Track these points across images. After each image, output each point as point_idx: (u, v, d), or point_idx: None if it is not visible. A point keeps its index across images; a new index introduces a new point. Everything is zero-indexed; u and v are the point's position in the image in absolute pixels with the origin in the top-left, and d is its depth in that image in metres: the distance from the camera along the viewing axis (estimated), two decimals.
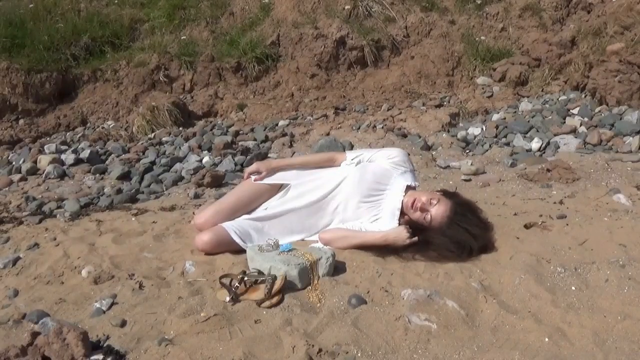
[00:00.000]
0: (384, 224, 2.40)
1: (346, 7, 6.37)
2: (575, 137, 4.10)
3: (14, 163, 4.50)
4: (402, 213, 2.43)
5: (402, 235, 2.29)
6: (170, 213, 3.14)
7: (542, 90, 5.30)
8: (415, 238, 2.29)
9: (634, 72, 4.50)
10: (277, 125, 5.08)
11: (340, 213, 2.49)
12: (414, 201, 2.36)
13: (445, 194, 2.45)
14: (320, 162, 2.69)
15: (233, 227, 2.42)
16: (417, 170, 2.77)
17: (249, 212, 2.58)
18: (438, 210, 2.33)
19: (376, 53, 6.09)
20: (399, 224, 2.39)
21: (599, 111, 4.48)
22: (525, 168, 3.66)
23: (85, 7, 6.89)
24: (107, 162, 4.49)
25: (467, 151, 4.28)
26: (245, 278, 2.01)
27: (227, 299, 1.96)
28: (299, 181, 2.60)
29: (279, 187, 2.63)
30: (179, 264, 2.34)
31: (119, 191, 3.69)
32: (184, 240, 2.64)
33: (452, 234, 2.27)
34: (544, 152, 4.02)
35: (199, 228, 2.56)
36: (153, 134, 5.10)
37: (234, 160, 4.19)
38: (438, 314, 1.85)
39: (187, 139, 4.82)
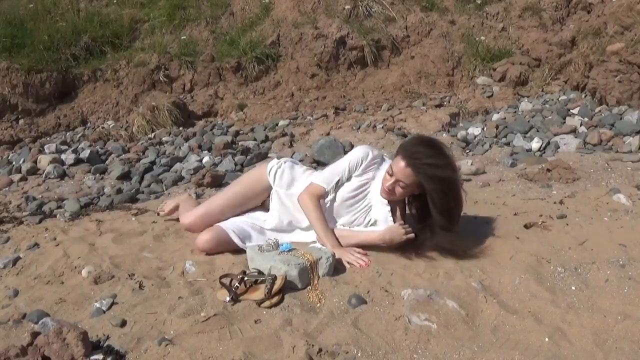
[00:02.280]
0: (381, 225, 2.39)
1: (346, 7, 6.37)
2: (575, 137, 4.10)
3: (14, 163, 4.50)
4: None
5: (398, 232, 2.28)
6: None
7: (542, 90, 5.30)
8: (412, 235, 2.28)
9: (634, 72, 4.49)
10: (277, 125, 5.07)
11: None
12: (382, 189, 2.34)
13: (395, 155, 2.36)
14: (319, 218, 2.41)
15: (232, 227, 2.43)
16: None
17: (239, 214, 2.58)
18: (398, 171, 2.24)
19: (376, 53, 6.09)
20: (395, 220, 2.38)
21: (599, 111, 4.48)
22: (525, 168, 3.66)
23: (85, 7, 6.89)
24: (107, 162, 4.50)
25: (467, 151, 4.28)
26: (245, 278, 2.02)
27: (227, 299, 1.96)
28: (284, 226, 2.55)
29: (270, 193, 2.60)
30: (179, 264, 2.34)
31: (119, 191, 3.69)
32: (184, 240, 2.64)
33: (426, 175, 2.20)
34: (544, 152, 4.01)
35: (186, 229, 2.57)
36: (153, 134, 5.10)
37: (234, 160, 4.19)
38: (438, 314, 1.85)
39: (187, 139, 4.82)
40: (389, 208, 2.39)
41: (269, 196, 2.60)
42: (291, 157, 4.23)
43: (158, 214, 3.02)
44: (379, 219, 2.40)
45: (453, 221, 2.31)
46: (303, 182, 2.49)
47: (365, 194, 2.44)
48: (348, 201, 2.42)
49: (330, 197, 2.42)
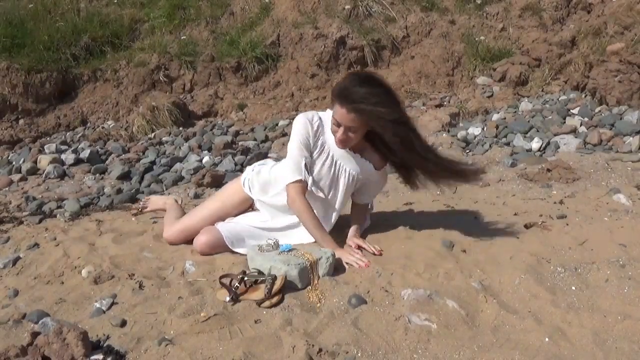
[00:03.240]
0: (356, 172, 2.38)
1: (346, 7, 6.37)
2: (575, 137, 4.10)
3: (14, 163, 4.50)
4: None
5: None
6: None
7: (542, 90, 5.30)
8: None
9: (634, 72, 4.50)
10: (277, 125, 5.08)
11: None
12: (336, 142, 2.27)
13: (332, 102, 2.27)
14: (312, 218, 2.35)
15: (227, 230, 2.40)
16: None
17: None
18: (342, 119, 2.16)
19: (376, 53, 6.09)
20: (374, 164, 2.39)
21: (599, 111, 4.48)
22: (525, 168, 3.66)
23: (85, 7, 6.89)
24: (107, 162, 4.50)
25: (467, 151, 4.29)
26: (245, 278, 2.01)
27: (227, 299, 1.96)
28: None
29: (250, 202, 2.58)
30: (179, 264, 2.34)
31: (119, 191, 3.69)
32: None
33: (371, 115, 2.13)
34: (544, 152, 4.02)
35: (167, 242, 2.56)
36: (153, 134, 5.10)
37: (234, 160, 4.19)
38: (438, 314, 1.84)
39: (187, 139, 4.82)
40: (357, 156, 2.36)
41: (251, 205, 2.58)
42: None
43: (139, 210, 3.06)
44: (354, 171, 2.37)
45: (415, 150, 2.22)
46: (274, 180, 2.46)
47: (332, 158, 2.36)
48: (321, 174, 2.37)
49: (310, 181, 2.34)
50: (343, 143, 2.26)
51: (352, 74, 2.29)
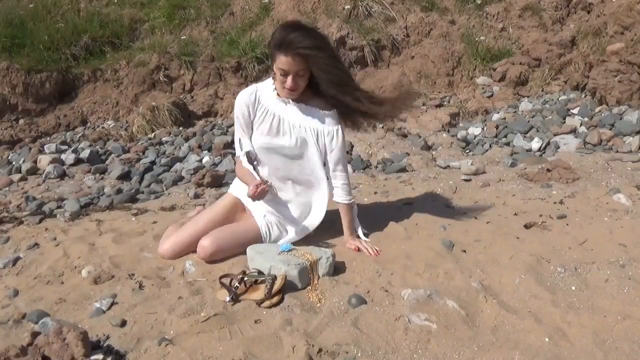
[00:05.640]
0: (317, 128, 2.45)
1: (346, 7, 6.37)
2: (575, 137, 4.10)
3: (14, 163, 4.50)
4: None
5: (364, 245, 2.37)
6: (170, 213, 3.14)
7: (542, 90, 5.30)
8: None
9: (634, 72, 4.50)
10: None
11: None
12: (285, 91, 2.34)
13: (272, 54, 2.35)
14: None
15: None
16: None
17: None
18: (289, 67, 2.24)
19: (376, 53, 6.09)
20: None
21: (599, 111, 4.48)
22: (525, 168, 3.66)
23: (85, 7, 6.89)
24: (107, 162, 4.50)
25: (467, 151, 4.29)
26: (245, 278, 2.02)
27: (227, 299, 1.96)
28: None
29: (242, 207, 2.56)
30: (179, 264, 2.34)
31: (119, 191, 3.69)
32: None
33: (312, 55, 2.22)
34: (544, 152, 4.02)
35: (162, 257, 2.45)
36: (153, 134, 5.10)
37: (234, 160, 4.19)
38: (438, 314, 1.84)
39: (187, 139, 4.82)
40: (302, 105, 2.40)
41: (243, 210, 2.55)
42: None
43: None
44: (306, 121, 2.41)
45: (350, 88, 2.35)
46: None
47: (278, 117, 2.40)
48: (272, 132, 2.40)
49: (247, 149, 2.43)
50: (293, 90, 2.33)
51: (281, 26, 2.36)
